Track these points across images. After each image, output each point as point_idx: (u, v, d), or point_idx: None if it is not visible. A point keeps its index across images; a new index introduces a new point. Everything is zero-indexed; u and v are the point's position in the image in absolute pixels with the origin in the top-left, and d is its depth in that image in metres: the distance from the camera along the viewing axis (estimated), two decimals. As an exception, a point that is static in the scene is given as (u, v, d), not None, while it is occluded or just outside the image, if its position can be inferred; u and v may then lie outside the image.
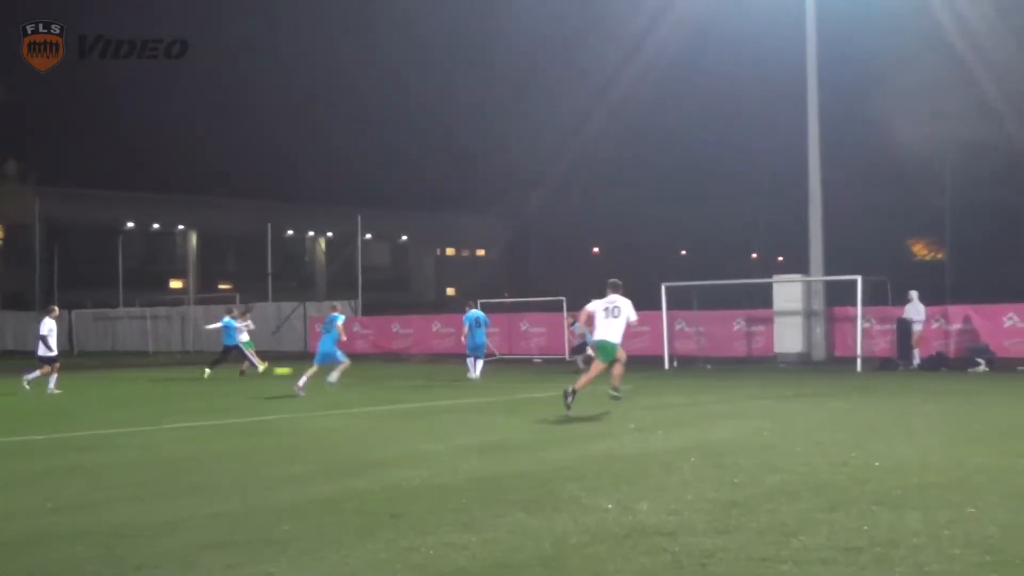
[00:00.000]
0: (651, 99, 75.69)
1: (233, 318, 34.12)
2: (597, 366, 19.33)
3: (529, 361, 39.17)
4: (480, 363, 31.23)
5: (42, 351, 27.48)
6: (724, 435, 16.02)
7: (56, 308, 29.43)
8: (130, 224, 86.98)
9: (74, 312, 63.32)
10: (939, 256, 68.25)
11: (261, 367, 33.42)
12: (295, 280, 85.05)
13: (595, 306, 19.57)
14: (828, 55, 36.35)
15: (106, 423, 19.91)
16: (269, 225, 63.50)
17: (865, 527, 9.03)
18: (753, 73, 67.08)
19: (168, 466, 13.79)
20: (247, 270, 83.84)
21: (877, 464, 12.53)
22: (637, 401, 22.21)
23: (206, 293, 75.52)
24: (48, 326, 27.67)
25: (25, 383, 27.49)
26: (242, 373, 33.15)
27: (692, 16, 48.40)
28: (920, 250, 73.90)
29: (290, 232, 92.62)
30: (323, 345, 25.62)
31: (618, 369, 19.27)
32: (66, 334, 62.42)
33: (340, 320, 25.56)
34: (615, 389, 19.30)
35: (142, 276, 78.24)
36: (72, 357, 55.84)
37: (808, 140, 36.16)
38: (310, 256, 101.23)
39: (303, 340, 51.89)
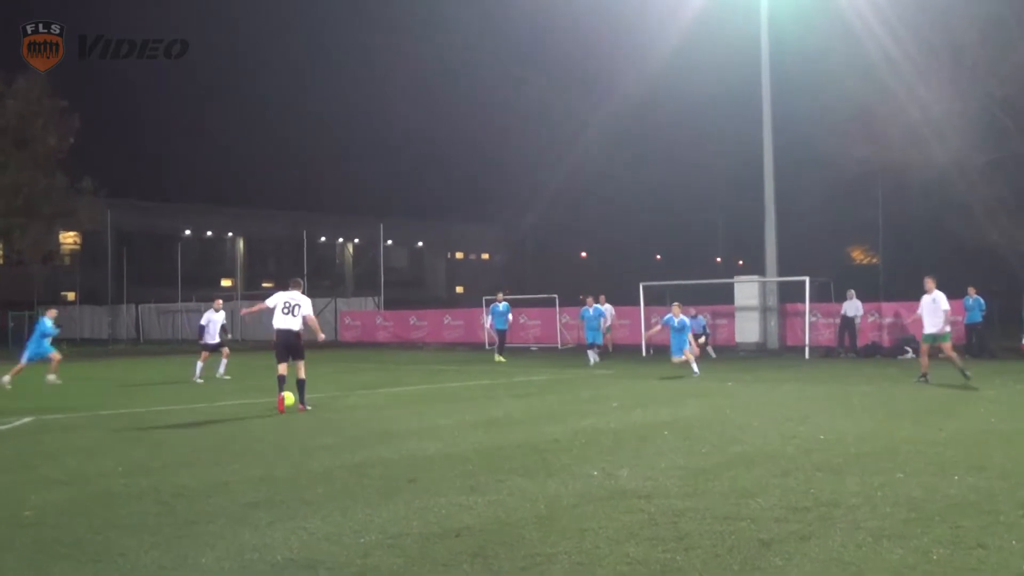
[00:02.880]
0: (629, 126, 75.85)
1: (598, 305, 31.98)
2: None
3: (527, 349, 39.12)
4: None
5: (206, 338, 25.92)
6: (692, 412, 16.02)
7: (220, 301, 27.33)
8: (187, 232, 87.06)
9: (140, 306, 63.34)
10: (874, 260, 68.24)
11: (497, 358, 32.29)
12: (327, 279, 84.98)
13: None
14: (780, 88, 36.42)
15: (166, 400, 19.92)
16: (304, 232, 63.41)
17: (811, 490, 9.04)
18: (716, 103, 67.06)
19: (218, 437, 13.80)
20: (286, 271, 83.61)
21: (821, 437, 12.54)
22: (618, 384, 22.24)
23: (251, 291, 75.51)
24: (207, 316, 26.21)
25: (222, 374, 25.74)
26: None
27: (661, 54, 48.48)
28: (858, 255, 73.87)
29: (322, 239, 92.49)
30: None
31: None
32: (134, 325, 62.56)
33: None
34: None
35: (197, 276, 78.09)
36: (139, 344, 55.95)
37: (764, 161, 36.20)
38: (339, 259, 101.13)
39: (334, 330, 51.87)
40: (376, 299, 52.05)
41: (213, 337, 25.91)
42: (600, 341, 30.64)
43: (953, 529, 7.51)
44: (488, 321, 33.81)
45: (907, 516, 7.96)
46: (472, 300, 55.29)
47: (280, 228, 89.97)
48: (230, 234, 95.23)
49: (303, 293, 18.02)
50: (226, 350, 26.25)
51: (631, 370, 26.26)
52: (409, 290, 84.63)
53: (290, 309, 17.45)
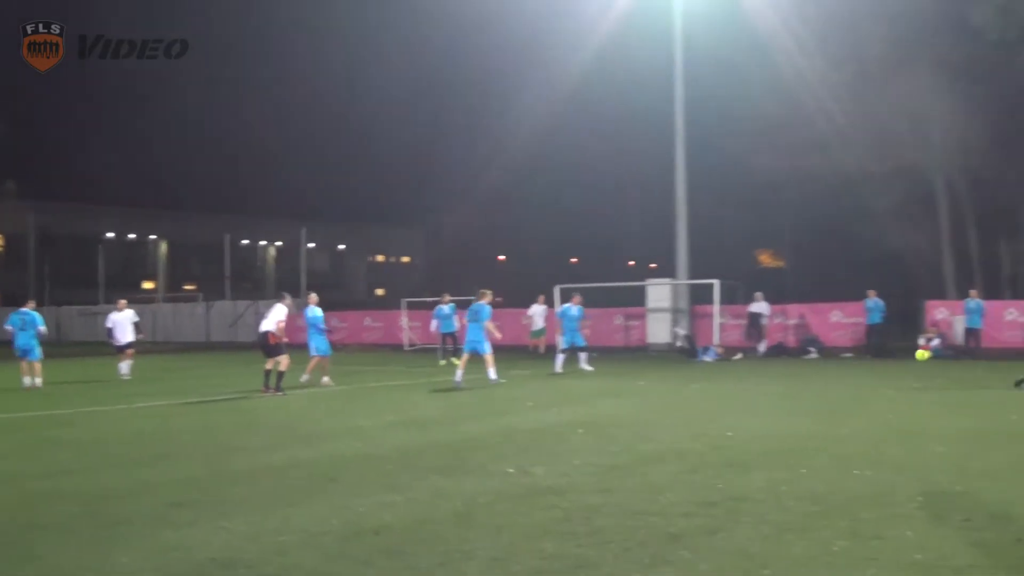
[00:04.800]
0: (546, 134, 75.89)
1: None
2: None
3: (445, 350, 39.02)
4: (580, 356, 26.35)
5: (116, 339, 25.76)
6: (606, 411, 16.13)
7: (123, 301, 26.92)
8: (110, 234, 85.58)
9: (62, 308, 62.13)
10: (781, 264, 69.24)
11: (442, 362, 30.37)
12: (249, 282, 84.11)
13: None
14: (692, 98, 36.74)
15: (87, 402, 19.59)
16: (227, 235, 62.73)
17: (719, 485, 9.17)
18: (630, 114, 67.29)
19: (140, 438, 13.63)
20: (208, 273, 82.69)
21: (729, 434, 12.70)
22: (534, 384, 22.30)
23: (173, 293, 74.49)
24: (111, 319, 26.01)
25: (124, 375, 25.58)
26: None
27: (578, 66, 48.61)
28: (766, 259, 74.79)
29: (245, 241, 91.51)
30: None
31: None
32: (54, 327, 61.30)
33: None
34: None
35: (119, 278, 76.83)
36: (58, 347, 54.84)
37: (676, 167, 36.53)
38: (262, 262, 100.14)
39: (255, 332, 51.35)
40: (298, 302, 51.58)
41: (123, 337, 25.65)
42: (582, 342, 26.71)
43: (853, 522, 7.67)
44: (434, 324, 31.96)
45: (810, 510, 8.11)
46: (392, 303, 55.09)
47: (202, 230, 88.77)
48: (152, 236, 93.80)
49: (282, 303, 20.91)
50: (130, 351, 25.89)
51: (547, 370, 26.30)
52: (331, 292, 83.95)
53: (263, 316, 21.42)
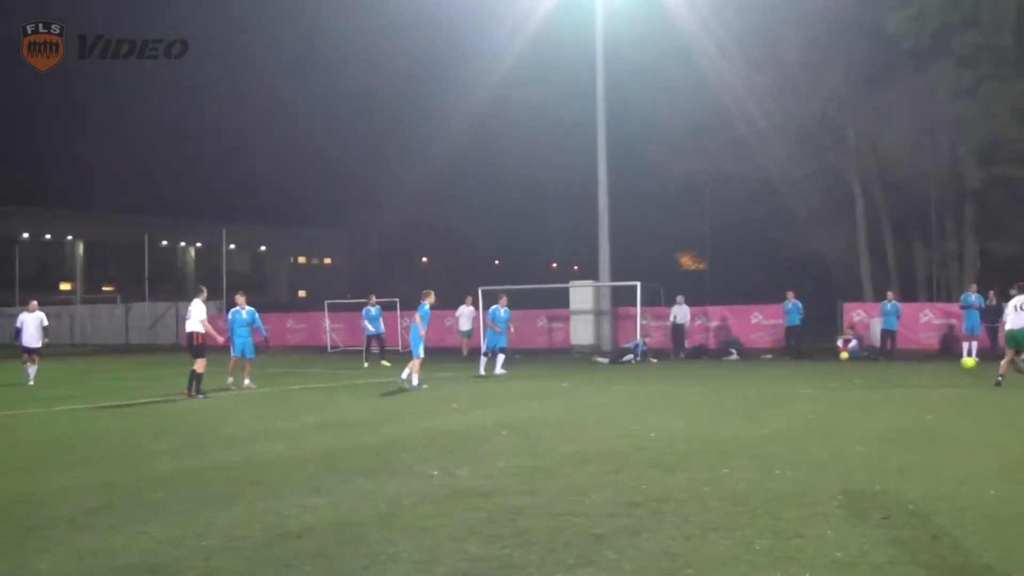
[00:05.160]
0: (471, 139, 76.25)
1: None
2: (1010, 353, 19.03)
3: (369, 352, 38.81)
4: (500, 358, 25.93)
5: (23, 340, 25.17)
6: (531, 413, 16.14)
7: (34, 302, 26.02)
8: (25, 235, 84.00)
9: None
10: (702, 267, 69.98)
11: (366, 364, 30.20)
12: (169, 284, 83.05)
13: (1008, 306, 19.28)
14: (615, 103, 36.96)
15: (2, 405, 19.16)
16: (146, 236, 61.87)
17: (643, 486, 9.21)
18: (553, 119, 67.73)
19: (59, 442, 13.37)
20: (127, 275, 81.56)
21: (652, 435, 12.78)
22: (458, 386, 22.26)
23: (91, 295, 73.32)
24: (20, 319, 25.42)
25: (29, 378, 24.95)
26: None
27: (502, 69, 48.74)
28: (687, 262, 75.52)
29: (164, 242, 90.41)
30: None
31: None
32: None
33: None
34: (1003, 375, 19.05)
35: (36, 279, 75.54)
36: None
37: (598, 173, 36.73)
38: (182, 263, 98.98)
39: (175, 334, 50.79)
40: (219, 303, 51.08)
41: (31, 340, 25.08)
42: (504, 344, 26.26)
43: (774, 520, 7.75)
44: (365, 325, 31.03)
45: (732, 509, 8.18)
46: (315, 304, 54.76)
47: (121, 231, 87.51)
48: (70, 237, 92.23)
49: (198, 298, 20.31)
50: (34, 356, 25.28)
51: (471, 372, 26.27)
52: (252, 295, 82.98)
53: (187, 316, 20.42)
